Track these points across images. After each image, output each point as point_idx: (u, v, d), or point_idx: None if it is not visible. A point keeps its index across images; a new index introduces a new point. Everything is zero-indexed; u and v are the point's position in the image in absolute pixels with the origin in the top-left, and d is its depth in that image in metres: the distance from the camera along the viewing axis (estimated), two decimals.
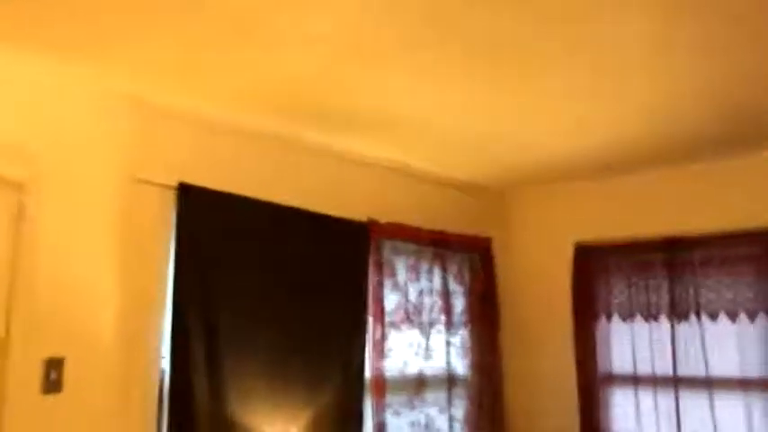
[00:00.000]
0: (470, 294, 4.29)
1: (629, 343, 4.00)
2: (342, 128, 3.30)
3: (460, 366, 4.16)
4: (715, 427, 3.63)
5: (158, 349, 2.87)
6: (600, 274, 4.18)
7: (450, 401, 4.02)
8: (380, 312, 3.69)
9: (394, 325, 3.79)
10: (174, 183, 2.96)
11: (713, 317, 3.75)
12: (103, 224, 2.78)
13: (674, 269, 3.87)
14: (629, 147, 3.63)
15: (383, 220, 3.79)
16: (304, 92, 2.83)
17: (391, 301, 3.81)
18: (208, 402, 2.91)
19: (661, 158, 3.85)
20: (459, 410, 4.11)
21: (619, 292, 4.09)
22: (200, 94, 2.87)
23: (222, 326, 3.00)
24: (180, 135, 3.07)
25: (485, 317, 4.30)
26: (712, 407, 3.65)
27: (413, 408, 3.84)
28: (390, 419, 3.69)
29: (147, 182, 2.89)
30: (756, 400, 3.57)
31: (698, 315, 3.77)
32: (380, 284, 3.73)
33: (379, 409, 3.61)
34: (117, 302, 2.76)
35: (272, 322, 3.19)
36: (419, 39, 2.35)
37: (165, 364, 2.87)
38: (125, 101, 2.85)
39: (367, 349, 3.60)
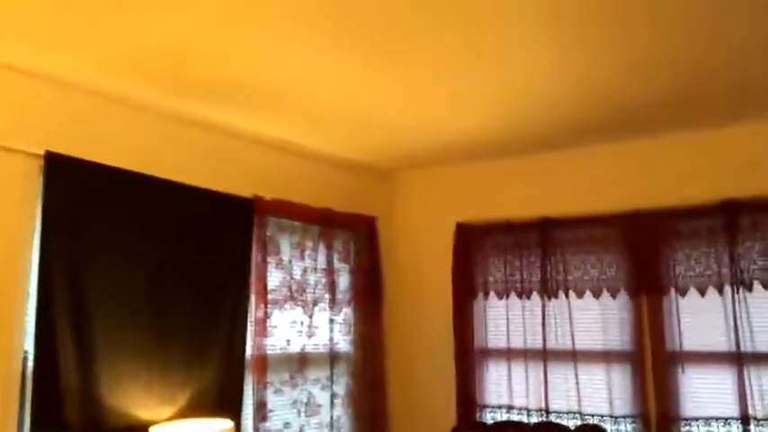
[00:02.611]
0: (355, 272, 4.33)
1: (504, 319, 4.19)
2: (226, 101, 3.20)
3: (343, 343, 4.20)
4: (579, 395, 3.89)
5: (21, 331, 2.69)
6: (479, 253, 4.35)
7: (332, 378, 4.06)
8: (263, 290, 3.65)
9: (277, 303, 3.76)
10: (41, 151, 2.76)
11: (580, 294, 4.00)
12: None
13: (546, 249, 4.09)
14: (507, 131, 3.78)
15: (268, 196, 3.73)
16: (186, 60, 2.72)
17: (275, 278, 3.77)
18: (76, 384, 2.76)
19: (537, 143, 4.03)
20: (341, 387, 4.16)
21: (496, 269, 4.28)
22: (71, 58, 2.69)
23: (93, 304, 2.86)
24: (49, 101, 2.88)
25: (368, 294, 4.35)
26: (577, 377, 3.91)
27: (294, 386, 3.84)
28: (271, 397, 3.67)
29: (10, 149, 2.69)
30: (616, 371, 3.85)
31: (566, 292, 4.01)
32: (264, 262, 3.68)
33: (260, 388, 3.58)
34: None
35: (149, 300, 3.08)
36: (307, 10, 2.31)
37: (29, 344, 2.69)
38: None
39: (249, 328, 3.54)
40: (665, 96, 3.22)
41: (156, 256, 3.14)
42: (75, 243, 2.83)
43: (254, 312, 3.59)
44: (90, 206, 2.91)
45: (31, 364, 2.68)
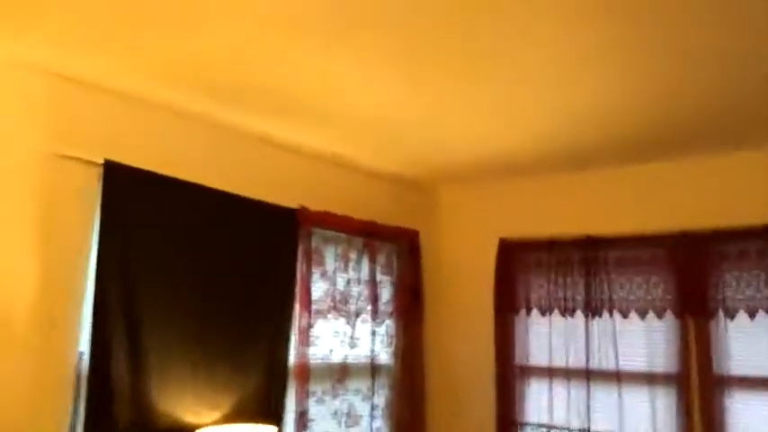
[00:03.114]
0: (397, 285, 4.36)
1: (546, 336, 4.16)
2: (273, 111, 3.27)
3: (384, 355, 4.22)
4: (621, 418, 3.84)
5: (77, 332, 2.79)
6: (521, 270, 4.33)
7: (372, 390, 4.08)
8: (307, 300, 3.70)
9: (320, 313, 3.81)
10: (100, 160, 2.87)
11: (624, 314, 3.95)
12: (22, 202, 2.68)
13: (590, 267, 4.05)
14: (551, 147, 3.77)
15: (314, 208, 3.80)
16: (234, 69, 2.77)
17: (319, 289, 3.82)
18: (128, 388, 2.85)
19: (581, 160, 4.01)
20: (382, 399, 4.18)
21: (538, 287, 4.25)
22: (127, 68, 2.78)
23: (145, 310, 2.94)
24: (105, 110, 2.99)
25: (410, 307, 4.37)
26: (620, 399, 3.86)
27: (336, 395, 3.87)
28: (313, 407, 3.71)
29: (70, 158, 2.80)
30: (660, 394, 3.79)
31: (610, 312, 3.97)
32: (308, 272, 3.73)
33: (302, 397, 3.63)
34: (35, 283, 2.67)
35: (197, 307, 3.15)
36: (353, 23, 2.34)
37: (85, 345, 2.79)
38: (43, 74, 2.76)
39: (293, 337, 3.60)
40: (713, 115, 3.18)
41: (204, 263, 3.22)
42: (129, 249, 2.93)
43: (298, 321, 3.65)
44: (144, 214, 3.00)
45: (86, 365, 2.78)
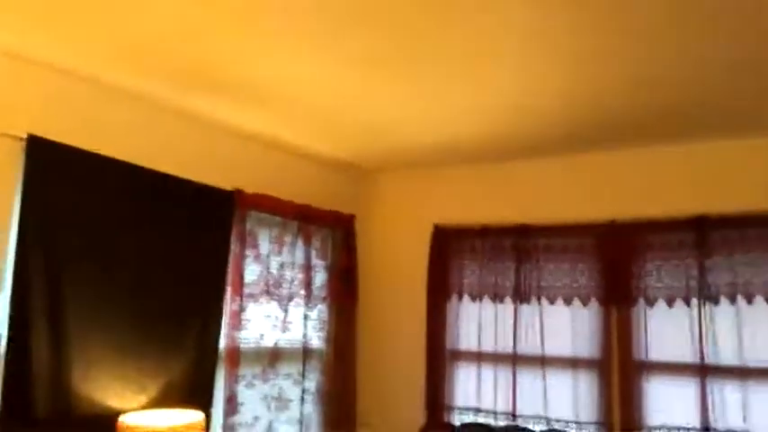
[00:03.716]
0: (331, 270, 4.35)
1: (476, 322, 4.24)
2: (212, 93, 3.20)
3: (316, 340, 4.22)
4: (546, 400, 3.96)
5: None
6: (455, 256, 4.40)
7: (303, 374, 4.07)
8: (240, 284, 3.66)
9: (253, 296, 3.77)
10: (23, 134, 2.74)
11: (552, 300, 4.07)
12: None
13: (520, 254, 4.15)
14: (487, 137, 3.83)
15: (250, 190, 3.74)
16: (174, 50, 2.71)
17: (252, 272, 3.78)
18: (48, 372, 2.76)
19: (516, 150, 4.10)
20: (312, 383, 4.18)
21: (471, 273, 4.33)
22: (56, 41, 2.67)
23: (69, 291, 2.84)
24: (32, 84, 2.86)
25: (343, 292, 4.38)
26: (545, 383, 3.98)
27: (266, 380, 3.85)
28: (242, 391, 3.68)
29: None
30: (583, 378, 3.93)
31: (538, 298, 4.08)
32: (242, 255, 3.69)
33: (232, 381, 3.59)
34: None
35: (126, 288, 3.07)
36: (299, 8, 2.32)
37: (2, 328, 2.67)
38: None
39: (224, 320, 3.55)
40: (645, 111, 3.30)
41: (135, 243, 3.13)
42: (53, 228, 2.82)
43: (229, 305, 3.60)
44: (71, 192, 2.89)
45: (2, 347, 2.66)
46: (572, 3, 2.21)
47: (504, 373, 4.11)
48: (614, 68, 2.76)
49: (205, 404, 3.34)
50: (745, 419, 3.50)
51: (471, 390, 4.21)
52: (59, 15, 2.43)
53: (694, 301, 3.68)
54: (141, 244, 3.16)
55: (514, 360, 4.07)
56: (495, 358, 4.15)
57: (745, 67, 2.70)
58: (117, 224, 3.07)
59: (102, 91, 3.10)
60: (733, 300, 3.60)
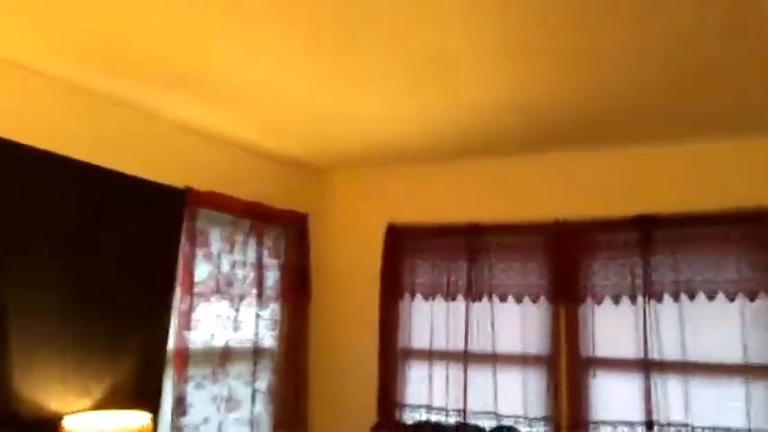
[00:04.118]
0: (284, 268, 4.33)
1: (429, 320, 4.27)
2: (161, 87, 3.14)
3: (268, 339, 4.19)
4: (496, 397, 4.02)
5: None
6: (408, 255, 4.42)
7: (254, 374, 4.04)
8: (190, 283, 3.60)
9: (203, 296, 3.72)
10: None
11: (503, 298, 4.12)
12: None
13: (472, 253, 4.20)
14: (439, 136, 3.86)
15: (201, 188, 3.69)
16: (121, 40, 2.64)
17: (202, 271, 3.73)
18: None
19: (467, 150, 4.13)
20: (264, 383, 4.14)
21: (423, 271, 4.36)
22: (2, 33, 2.58)
23: (8, 290, 2.75)
24: None
25: (296, 291, 4.36)
26: (495, 379, 4.04)
27: (216, 380, 3.80)
28: (191, 392, 3.63)
29: None
30: (532, 375, 4.00)
31: (490, 296, 4.13)
32: (192, 254, 3.63)
33: (181, 382, 3.54)
34: None
35: (69, 288, 3.00)
36: (249, 2, 2.30)
37: None
38: None
39: (173, 320, 3.49)
40: (590, 114, 3.37)
41: (80, 241, 3.06)
42: None
43: (178, 305, 3.54)
44: (12, 188, 2.80)
45: None
46: (525, 3, 2.24)
47: (456, 371, 4.14)
48: (563, 70, 2.81)
49: (153, 406, 3.28)
50: (686, 413, 3.61)
51: (423, 388, 4.24)
52: (3, 4, 2.35)
53: (639, 298, 3.78)
54: (87, 242, 3.09)
55: (466, 358, 4.11)
56: (447, 356, 4.19)
57: (689, 72, 2.78)
58: (62, 222, 2.99)
59: (48, 84, 3.01)
60: (676, 297, 3.71)
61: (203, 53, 2.75)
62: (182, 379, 3.54)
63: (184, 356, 3.55)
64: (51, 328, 2.91)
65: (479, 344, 4.10)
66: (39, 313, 2.87)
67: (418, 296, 4.36)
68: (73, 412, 2.92)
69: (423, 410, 4.22)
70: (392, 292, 4.40)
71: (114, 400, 3.11)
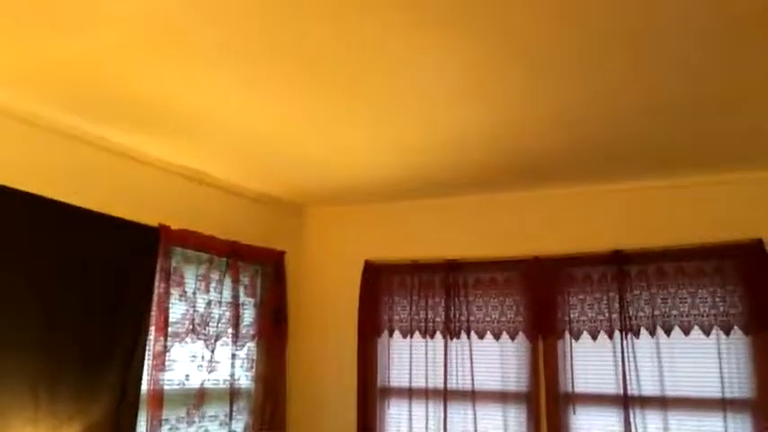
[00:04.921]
0: (261, 307, 4.27)
1: (407, 358, 4.24)
2: (136, 126, 3.14)
3: (244, 379, 4.11)
4: None
5: None
6: (385, 292, 4.40)
7: (230, 415, 3.95)
8: (164, 323, 3.54)
9: (178, 336, 3.65)
10: None
11: (481, 335, 4.11)
12: None
13: (450, 290, 4.20)
14: (416, 174, 3.89)
15: (175, 226, 3.65)
16: (94, 79, 2.63)
17: (177, 311, 3.67)
18: None
19: (444, 187, 4.17)
20: (241, 423, 4.06)
21: (401, 309, 4.34)
22: None
23: None
24: None
25: (273, 330, 4.30)
26: (475, 416, 4.00)
27: (191, 423, 3.71)
28: None
29: None
30: (512, 411, 3.97)
31: (468, 333, 4.12)
32: (167, 293, 3.58)
33: (155, 425, 3.44)
34: None
35: (40, 328, 2.92)
36: (222, 40, 2.31)
37: None
38: None
39: (146, 361, 3.42)
40: (566, 151, 3.42)
41: (52, 281, 2.99)
42: None
43: (152, 345, 3.47)
44: None
45: None
46: (496, 43, 2.29)
47: (435, 409, 4.11)
48: (538, 109, 2.86)
49: None
50: None
51: (403, 426, 4.19)
52: None
53: (617, 333, 3.80)
54: (58, 281, 3.02)
55: (445, 395, 4.08)
56: (427, 394, 4.15)
57: (663, 110, 2.84)
58: (33, 261, 2.93)
59: (18, 122, 2.98)
60: (653, 332, 3.74)
61: (176, 92, 2.75)
62: (156, 421, 3.44)
63: (158, 398, 3.47)
64: (22, 371, 2.83)
65: (459, 381, 4.08)
66: (9, 355, 2.79)
67: (396, 333, 4.34)
68: None
69: None
70: (370, 329, 4.37)
71: None
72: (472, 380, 4.05)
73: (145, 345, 3.40)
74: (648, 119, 2.95)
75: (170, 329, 3.58)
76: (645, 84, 2.58)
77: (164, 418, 3.51)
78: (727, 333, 3.60)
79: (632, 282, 3.81)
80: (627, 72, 2.49)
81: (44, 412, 2.89)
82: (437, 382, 4.12)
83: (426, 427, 4.10)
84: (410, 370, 4.22)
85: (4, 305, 2.80)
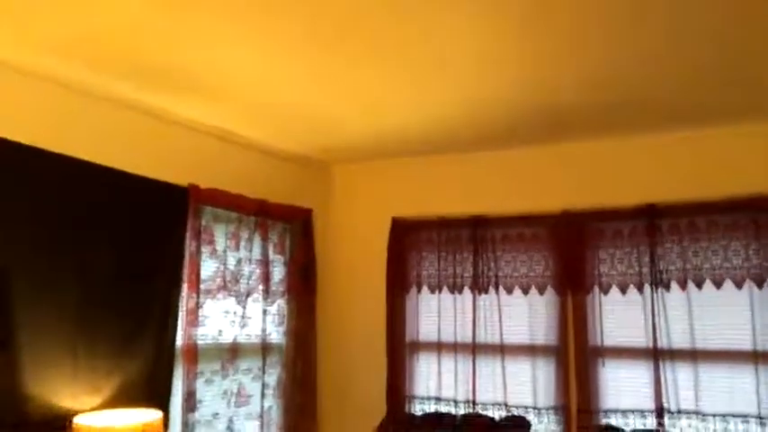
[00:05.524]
0: (289, 264, 4.33)
1: (436, 313, 4.27)
2: (164, 86, 3.14)
3: (276, 335, 4.19)
4: (505, 387, 4.02)
5: None
6: (413, 248, 4.41)
7: (263, 369, 4.05)
8: (196, 280, 3.61)
9: (210, 293, 3.72)
10: None
11: (509, 290, 4.12)
12: None
13: (477, 246, 4.19)
14: (443, 129, 3.84)
15: (205, 185, 3.69)
16: (124, 42, 2.65)
17: (208, 268, 3.73)
18: None
19: (471, 142, 4.12)
20: (273, 378, 4.15)
21: (429, 264, 4.35)
22: (5, 38, 2.58)
23: (16, 290, 2.76)
24: None
25: (302, 287, 4.36)
26: (504, 370, 4.03)
27: (225, 376, 3.81)
28: (201, 388, 3.63)
29: None
30: (541, 365, 3.99)
31: (496, 288, 4.13)
32: (198, 251, 3.64)
33: (190, 378, 3.54)
34: None
35: (77, 287, 3.00)
36: (252, 1, 2.29)
37: None
38: None
39: (180, 317, 3.50)
40: (594, 105, 3.35)
41: (86, 241, 3.06)
42: None
43: (185, 302, 3.55)
44: (17, 189, 2.81)
45: None
46: (531, 4, 2.24)
47: (464, 363, 4.14)
48: (567, 62, 2.80)
49: (163, 402, 3.29)
50: (696, 401, 3.60)
51: (432, 380, 4.25)
52: (11, 10, 2.35)
53: (647, 287, 3.77)
54: (93, 241, 3.09)
55: (474, 349, 4.11)
56: (455, 348, 4.19)
57: (695, 63, 2.76)
58: (67, 221, 3.00)
59: (52, 86, 3.01)
60: (684, 285, 3.70)
61: (205, 54, 2.75)
62: (191, 375, 3.54)
63: (193, 353, 3.56)
64: (61, 328, 2.92)
65: (487, 335, 4.10)
66: (48, 313, 2.88)
67: (425, 289, 4.36)
68: (83, 411, 2.93)
69: (432, 402, 4.22)
70: (398, 285, 4.40)
71: (124, 397, 3.12)
72: (501, 334, 4.07)
73: (178, 301, 3.48)
74: (676, 71, 2.87)
75: (202, 286, 3.65)
76: (671, 36, 2.50)
77: (199, 371, 3.61)
78: (760, 286, 3.55)
79: (663, 235, 3.76)
80: (664, 25, 2.41)
81: (83, 368, 2.99)
82: (466, 336, 4.16)
83: (455, 381, 4.15)
84: (438, 324, 4.26)
85: (41, 266, 2.87)
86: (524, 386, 4.01)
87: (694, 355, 3.64)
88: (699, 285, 3.68)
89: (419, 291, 4.38)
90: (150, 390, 3.26)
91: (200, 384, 3.62)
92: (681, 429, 3.62)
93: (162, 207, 3.45)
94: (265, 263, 4.10)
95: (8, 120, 2.81)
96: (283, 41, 2.64)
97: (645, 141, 3.89)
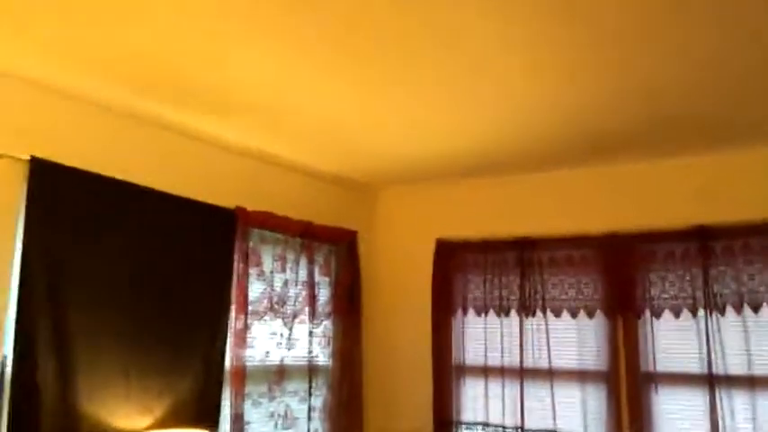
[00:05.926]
0: (335, 286, 4.34)
1: (482, 336, 4.23)
2: (213, 111, 3.22)
3: (322, 356, 4.20)
4: (554, 413, 3.94)
5: (1, 331, 2.66)
6: (458, 270, 4.39)
7: (310, 391, 4.05)
8: (244, 302, 3.65)
9: (257, 314, 3.76)
10: (26, 156, 2.75)
11: (557, 313, 4.05)
12: None
13: (524, 268, 4.14)
14: (488, 151, 3.83)
15: (251, 208, 3.74)
16: (173, 67, 2.71)
17: (256, 290, 3.77)
18: (55, 393, 2.74)
19: (517, 164, 4.10)
20: (319, 400, 4.15)
21: (475, 287, 4.32)
22: (57, 63, 2.68)
23: (74, 312, 2.84)
24: (34, 106, 2.88)
25: (348, 308, 4.36)
26: (553, 395, 3.96)
27: (272, 398, 3.82)
28: (249, 409, 3.65)
29: None
30: (591, 391, 3.91)
31: (543, 311, 4.07)
32: (245, 273, 3.68)
33: (238, 400, 3.57)
34: None
35: (131, 309, 3.07)
36: (297, 24, 2.33)
37: (9, 350, 2.66)
38: None
39: (228, 338, 3.54)
40: (641, 124, 3.30)
41: (137, 264, 3.13)
42: (56, 249, 2.82)
43: (233, 323, 3.59)
44: (73, 213, 2.90)
45: (9, 369, 2.65)
46: (563, 16, 2.23)
47: (512, 387, 4.08)
48: (611, 80, 2.77)
49: (212, 423, 3.32)
50: (755, 429, 3.47)
51: (479, 404, 4.19)
52: (52, 35, 2.44)
53: (701, 310, 3.67)
54: (144, 264, 3.16)
55: (521, 374, 4.05)
56: (503, 372, 4.12)
57: (748, 76, 2.70)
58: (120, 245, 3.07)
59: (102, 111, 3.11)
60: (739, 309, 3.59)
61: (247, 76, 2.80)
62: (239, 396, 3.57)
63: (241, 374, 3.59)
64: (114, 349, 2.98)
65: (535, 359, 4.04)
66: (101, 334, 2.94)
67: (471, 311, 4.32)
68: (135, 430, 2.97)
69: (479, 427, 4.16)
70: (444, 308, 4.37)
71: (175, 417, 3.16)
72: (549, 358, 4.00)
73: (227, 323, 3.53)
74: (731, 85, 2.81)
75: (250, 308, 3.68)
76: (733, 46, 2.46)
77: (246, 393, 3.63)
78: None
79: (717, 257, 3.66)
80: (716, 33, 2.37)
81: (135, 389, 3.04)
82: (513, 360, 4.09)
83: (503, 406, 4.09)
84: (485, 348, 4.21)
85: (97, 289, 2.95)
86: (574, 412, 3.92)
87: (752, 382, 3.52)
88: (755, 309, 3.56)
89: (465, 313, 4.34)
90: (200, 410, 3.30)
91: (247, 406, 3.64)
92: None
93: (210, 229, 3.51)
94: (311, 285, 4.12)
95: (58, 144, 2.90)
96: (332, 64, 2.67)
97: (696, 161, 3.81)
